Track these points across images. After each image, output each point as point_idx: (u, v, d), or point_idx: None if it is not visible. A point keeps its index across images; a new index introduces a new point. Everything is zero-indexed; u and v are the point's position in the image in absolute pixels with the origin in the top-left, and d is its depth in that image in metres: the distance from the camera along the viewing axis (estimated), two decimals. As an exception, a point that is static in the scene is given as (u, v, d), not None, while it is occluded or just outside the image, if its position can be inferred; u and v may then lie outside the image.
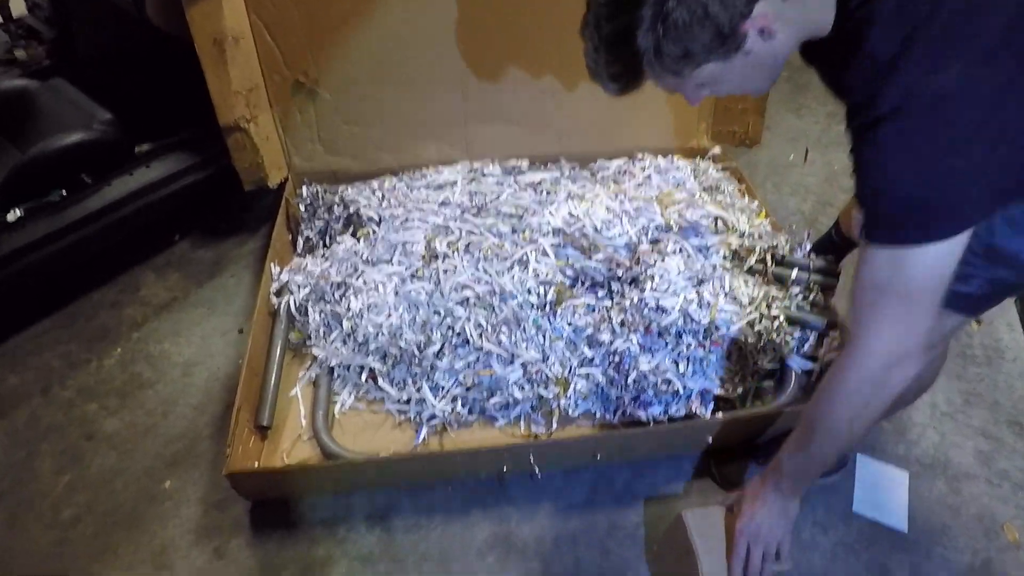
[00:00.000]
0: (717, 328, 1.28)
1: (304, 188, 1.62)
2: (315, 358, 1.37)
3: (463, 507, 1.22)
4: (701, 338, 1.29)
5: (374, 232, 1.52)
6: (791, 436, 0.92)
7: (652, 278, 1.32)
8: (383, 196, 1.60)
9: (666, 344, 1.28)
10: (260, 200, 1.84)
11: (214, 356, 1.48)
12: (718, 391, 1.29)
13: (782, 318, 1.30)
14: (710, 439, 1.23)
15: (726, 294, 1.31)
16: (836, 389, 0.81)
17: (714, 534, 0.97)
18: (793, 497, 0.94)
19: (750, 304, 1.31)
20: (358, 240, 1.52)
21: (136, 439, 1.33)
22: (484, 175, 1.67)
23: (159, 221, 1.66)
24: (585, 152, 1.74)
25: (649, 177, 1.65)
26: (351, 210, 1.57)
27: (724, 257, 1.41)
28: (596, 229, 1.46)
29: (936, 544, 1.18)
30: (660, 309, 1.28)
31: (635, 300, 1.30)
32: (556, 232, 1.47)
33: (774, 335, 1.28)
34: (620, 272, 1.37)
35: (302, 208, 1.60)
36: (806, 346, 1.32)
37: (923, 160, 0.66)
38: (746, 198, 1.63)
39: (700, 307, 1.28)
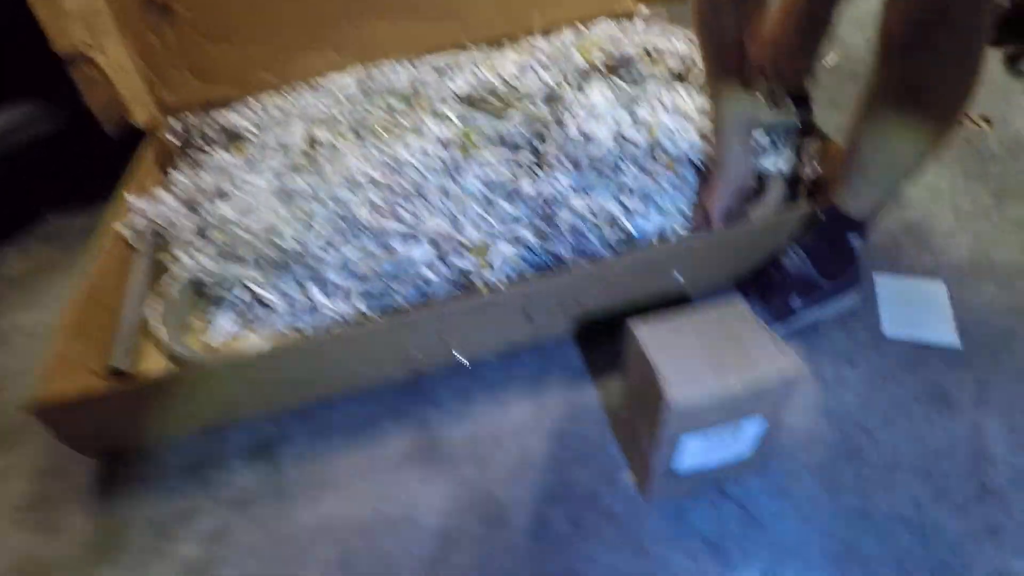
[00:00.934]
0: (663, 149, 1.02)
1: (173, 119, 1.39)
2: (180, 280, 1.10)
3: (372, 421, 0.93)
4: (646, 165, 1.02)
5: (251, 140, 1.28)
6: None
7: (572, 114, 1.06)
8: (262, 107, 1.37)
9: (603, 177, 1.01)
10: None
11: (75, 318, 1.21)
12: (679, 225, 1.01)
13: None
14: (679, 275, 0.94)
15: (666, 109, 1.05)
16: None
17: (683, 344, 0.68)
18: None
19: (701, 115, 1.05)
20: (233, 154, 1.28)
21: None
22: (378, 77, 1.44)
23: (15, 186, 1.42)
24: (494, 35, 1.51)
25: (566, 35, 1.42)
26: (226, 127, 1.34)
27: (663, 80, 1.16)
28: (507, 84, 1.21)
29: (1003, 351, 0.88)
30: (587, 138, 1.02)
31: (559, 141, 1.05)
32: (461, 99, 1.23)
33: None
34: (535, 117, 1.12)
35: (172, 137, 1.37)
36: (782, 155, 1.06)
37: None
38: (683, 44, 1.39)
39: (636, 126, 1.02)
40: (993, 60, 1.40)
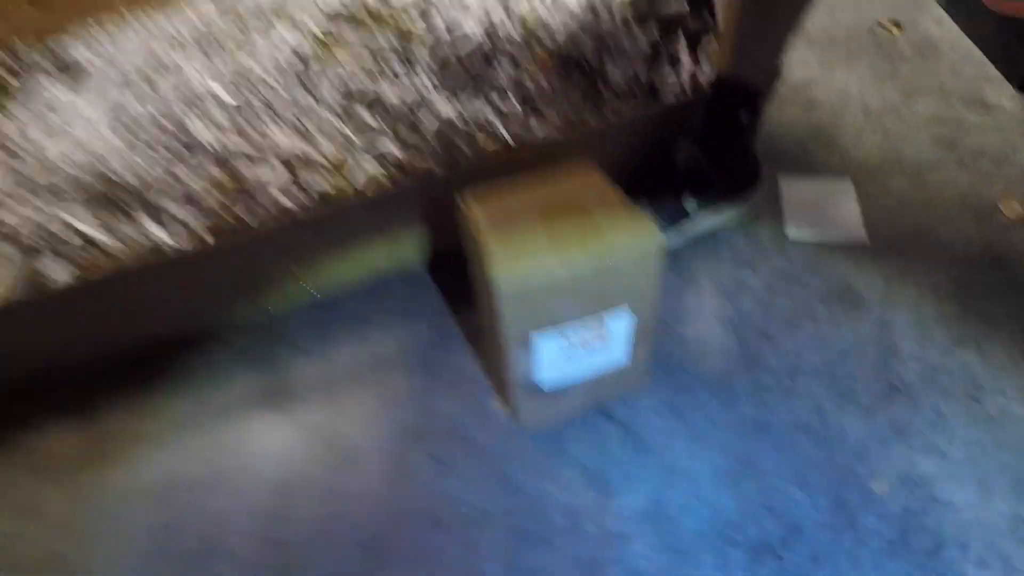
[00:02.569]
0: (541, 43, 0.90)
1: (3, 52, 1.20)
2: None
3: (212, 364, 0.79)
4: (522, 61, 0.90)
5: (90, 73, 1.10)
6: None
7: (441, 6, 0.93)
8: (109, 38, 1.20)
9: (474, 78, 0.89)
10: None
11: None
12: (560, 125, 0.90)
13: (628, 13, 0.92)
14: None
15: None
16: None
17: (501, 213, 0.57)
18: None
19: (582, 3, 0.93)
20: (70, 89, 1.10)
21: None
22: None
23: None
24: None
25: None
26: (68, 61, 1.16)
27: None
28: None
29: (910, 248, 0.80)
30: (453, 33, 0.89)
31: (426, 41, 0.92)
32: (329, 17, 1.08)
33: (622, 37, 0.90)
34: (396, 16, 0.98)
35: (4, 74, 1.18)
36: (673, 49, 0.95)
37: None
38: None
39: (509, 18, 0.90)
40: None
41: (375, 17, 1.07)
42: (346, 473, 0.68)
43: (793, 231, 0.84)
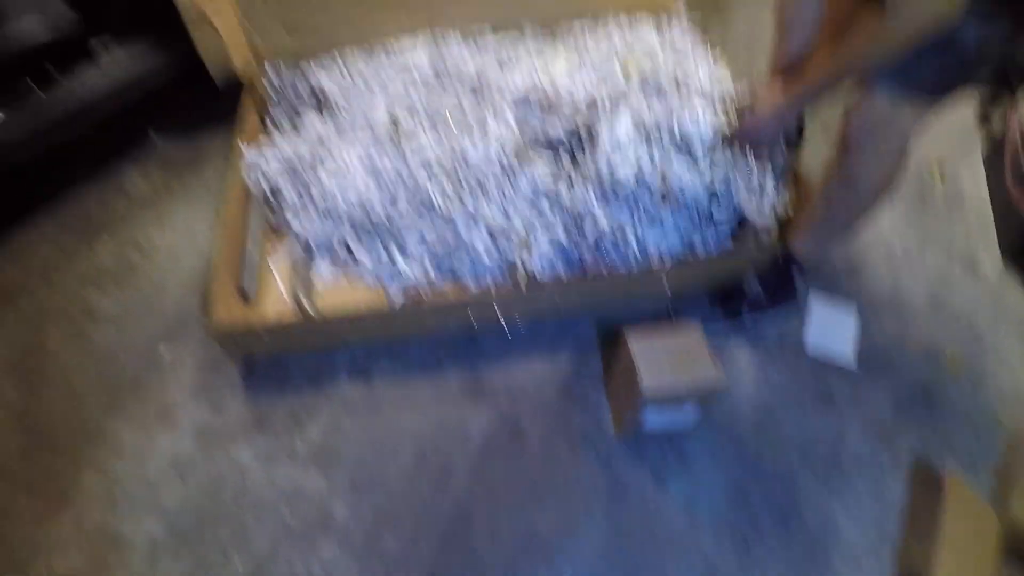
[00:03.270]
0: (671, 189, 1.31)
1: (269, 70, 1.62)
2: (290, 234, 1.43)
3: (437, 362, 1.32)
4: (657, 198, 1.31)
5: (338, 106, 1.53)
6: (812, 71, 1.03)
7: (603, 140, 1.32)
8: (346, 71, 1.60)
9: (622, 205, 1.31)
10: (234, 92, 1.84)
11: (197, 241, 1.55)
12: (676, 244, 1.34)
13: (735, 176, 1.32)
14: (667, 288, 1.29)
15: (679, 148, 1.32)
16: (870, 47, 0.90)
17: (655, 350, 1.05)
18: (788, 117, 1.13)
19: (705, 158, 1.32)
20: (324, 117, 1.54)
21: (133, 316, 1.43)
22: (446, 42, 1.65)
23: (130, 112, 1.68)
24: (547, 15, 1.70)
25: (613, 42, 1.62)
26: (315, 87, 1.58)
27: (685, 117, 1.40)
28: (555, 88, 1.45)
29: (880, 374, 1.26)
30: (613, 174, 1.30)
31: (590, 165, 1.32)
32: (517, 99, 1.47)
33: (731, 192, 1.31)
34: (578, 124, 1.37)
35: (269, 89, 1.61)
36: (765, 200, 1.35)
37: None
38: (710, 58, 1.60)
39: (653, 167, 1.30)
40: (970, 111, 1.61)
41: (548, 110, 1.45)
42: (517, 444, 1.22)
43: (808, 341, 1.29)
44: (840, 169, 1.05)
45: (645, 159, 1.29)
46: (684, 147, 1.32)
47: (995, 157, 1.48)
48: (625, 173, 1.28)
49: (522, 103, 1.46)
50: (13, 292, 1.50)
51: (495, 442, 1.22)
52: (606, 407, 1.24)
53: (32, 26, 1.47)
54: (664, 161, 1.28)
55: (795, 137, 1.39)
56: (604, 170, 1.30)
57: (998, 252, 1.39)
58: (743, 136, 1.21)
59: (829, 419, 1.22)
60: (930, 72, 0.92)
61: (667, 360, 1.04)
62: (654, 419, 1.11)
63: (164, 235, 1.57)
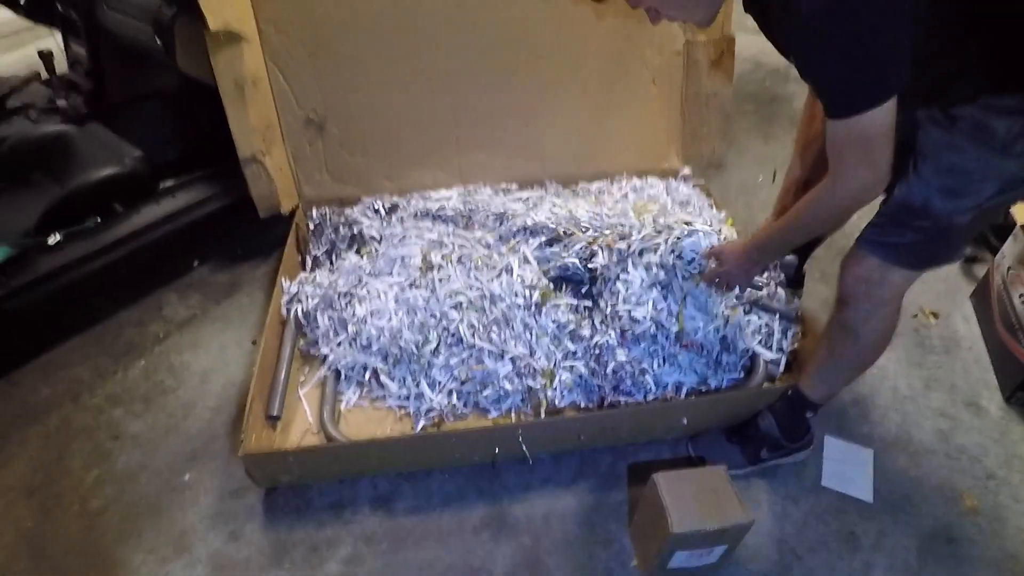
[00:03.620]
0: (686, 333, 1.40)
1: (314, 211, 1.79)
2: (323, 360, 1.50)
3: (459, 492, 1.32)
4: (673, 340, 1.41)
5: (376, 249, 1.67)
6: (772, 226, 1.15)
7: (620, 288, 1.43)
8: (384, 215, 1.77)
9: (640, 343, 1.40)
10: (273, 228, 2.00)
11: (230, 365, 1.61)
12: (692, 382, 1.41)
13: (745, 315, 1.42)
14: (685, 420, 1.33)
15: (692, 300, 1.43)
16: (815, 208, 0.99)
17: (683, 493, 1.07)
18: (757, 264, 1.23)
19: (717, 307, 1.42)
20: (361, 256, 1.67)
21: (159, 438, 1.45)
22: (476, 191, 1.83)
23: (181, 246, 1.81)
24: (567, 175, 1.90)
25: (626, 195, 1.81)
26: (355, 230, 1.73)
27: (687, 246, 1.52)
28: (575, 221, 1.59)
29: (900, 512, 1.27)
30: (632, 319, 1.40)
31: (609, 310, 1.43)
32: (538, 229, 1.60)
33: (740, 335, 1.41)
34: (597, 262, 1.48)
35: (311, 228, 1.76)
36: (773, 340, 1.45)
37: (847, 54, 0.81)
38: (714, 210, 1.78)
39: (669, 314, 1.41)
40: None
41: (570, 233, 1.59)
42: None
43: (825, 481, 1.31)
44: (839, 319, 1.14)
45: (660, 301, 1.40)
46: (695, 292, 1.44)
47: (982, 301, 1.60)
48: (641, 314, 1.38)
49: (544, 235, 1.59)
50: (41, 411, 1.53)
51: (507, 569, 1.19)
52: (628, 542, 1.23)
53: (108, 169, 1.65)
54: (676, 303, 1.39)
55: (796, 282, 1.53)
56: (621, 309, 1.40)
57: (999, 390, 1.46)
58: (711, 278, 1.32)
59: (854, 559, 1.20)
60: (912, 246, 1.02)
61: (695, 502, 1.06)
62: (681, 561, 1.11)
63: (197, 358, 1.63)
